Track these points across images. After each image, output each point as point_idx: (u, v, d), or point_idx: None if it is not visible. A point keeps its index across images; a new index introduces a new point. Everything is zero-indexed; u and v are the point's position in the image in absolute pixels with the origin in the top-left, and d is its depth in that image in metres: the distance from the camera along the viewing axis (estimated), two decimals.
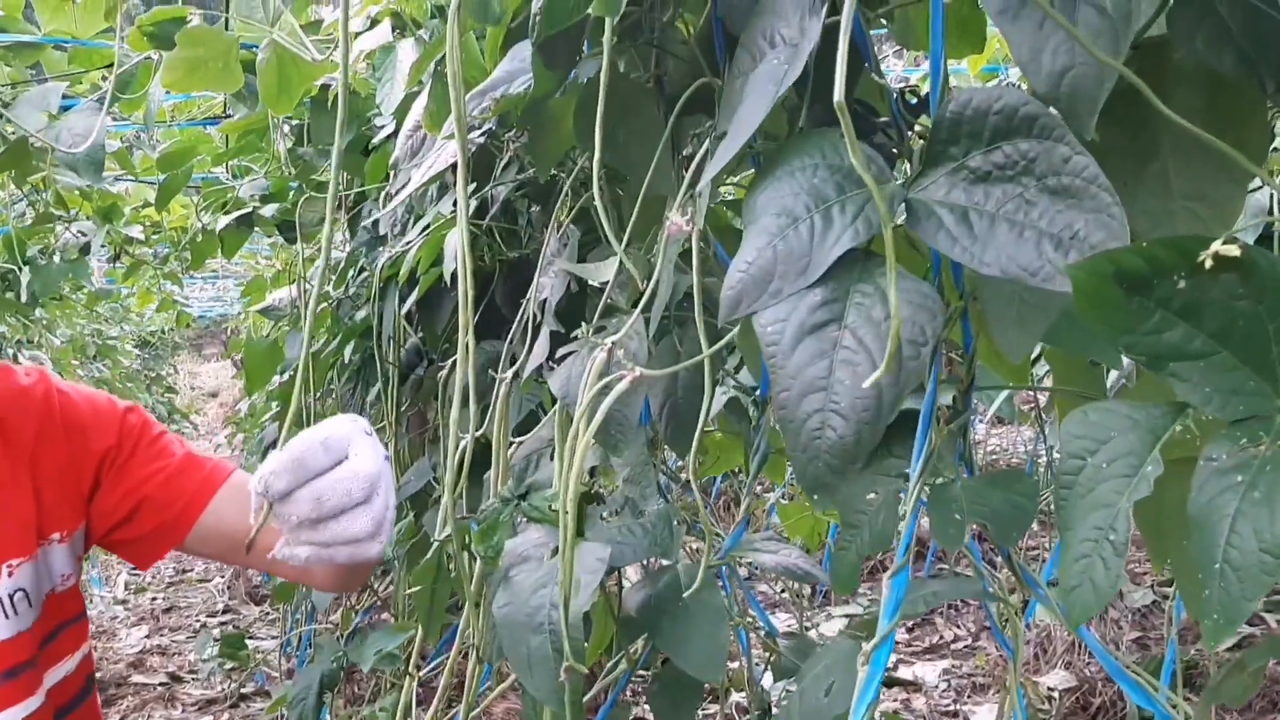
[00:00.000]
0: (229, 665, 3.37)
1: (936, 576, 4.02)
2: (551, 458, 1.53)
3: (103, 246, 3.20)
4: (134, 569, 5.41)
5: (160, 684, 4.33)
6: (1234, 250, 0.59)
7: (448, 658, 1.46)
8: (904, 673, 3.51)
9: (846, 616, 3.74)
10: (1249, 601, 0.57)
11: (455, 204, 1.78)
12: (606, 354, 1.03)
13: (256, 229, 3.13)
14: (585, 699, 1.00)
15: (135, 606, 5.57)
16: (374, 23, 1.74)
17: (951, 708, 3.31)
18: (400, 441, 2.31)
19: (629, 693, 1.45)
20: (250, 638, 3.86)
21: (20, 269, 2.93)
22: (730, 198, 1.68)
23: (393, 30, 1.66)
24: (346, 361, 2.55)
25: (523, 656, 0.93)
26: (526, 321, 1.51)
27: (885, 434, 0.72)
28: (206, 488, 1.19)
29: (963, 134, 0.71)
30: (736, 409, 1.76)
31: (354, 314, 2.69)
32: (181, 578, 6.04)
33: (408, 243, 1.80)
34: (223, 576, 5.82)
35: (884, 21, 1.25)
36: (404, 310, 1.99)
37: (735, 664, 1.71)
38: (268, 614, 5.07)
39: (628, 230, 1.26)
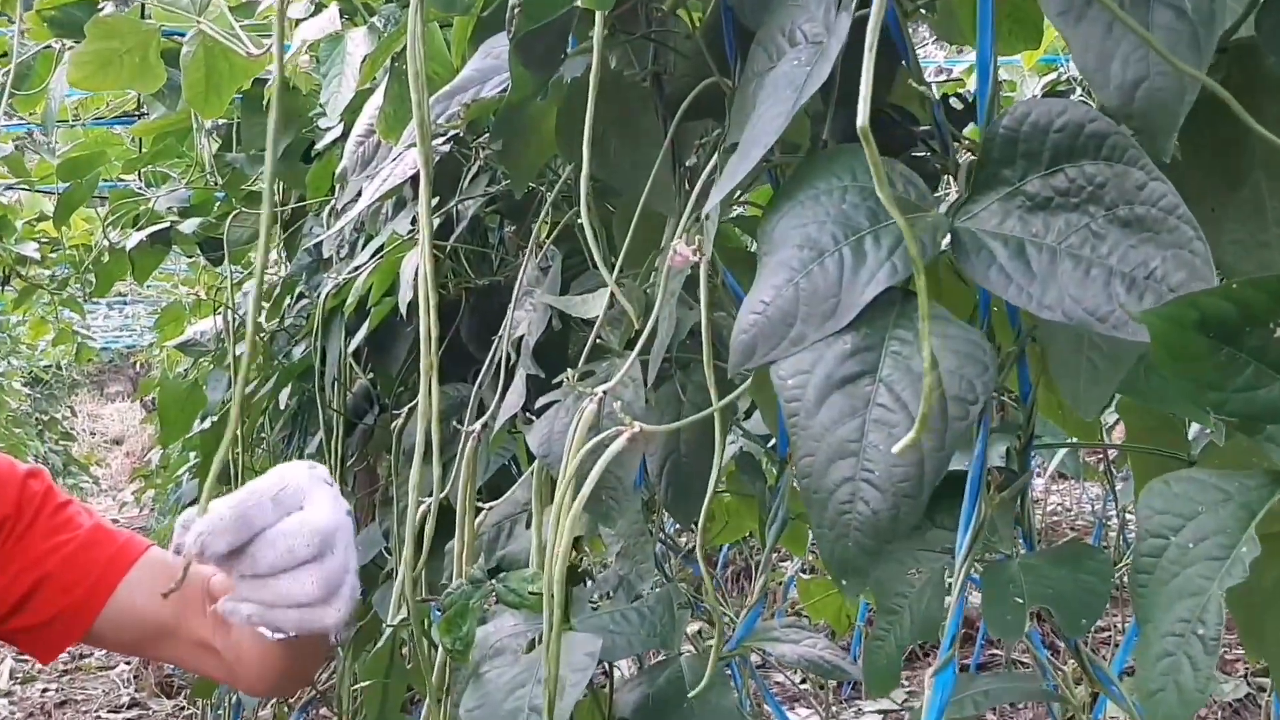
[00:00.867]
0: None
1: (988, 668, 4.01)
2: (527, 525, 1.54)
3: None
4: (21, 655, 5.38)
5: None
6: None
7: None
8: None
9: (880, 713, 3.74)
10: None
11: (414, 222, 1.79)
12: (597, 405, 1.04)
13: (175, 248, 3.14)
14: None
15: (22, 700, 5.54)
16: (318, 7, 1.76)
17: None
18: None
19: None
20: None
21: None
22: (740, 213, 1.69)
23: (340, 17, 1.67)
24: (281, 407, 2.55)
25: None
26: (499, 362, 1.52)
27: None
28: (118, 563, 1.20)
29: (1019, 154, 0.72)
30: (748, 465, 1.77)
31: (290, 350, 2.70)
32: (78, 664, 6.00)
33: (357, 268, 1.81)
34: (128, 664, 5.79)
35: (924, 12, 1.27)
36: (352, 347, 2.00)
37: None
38: (182, 708, 5.05)
39: (620, 256, 1.27)
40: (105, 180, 2.99)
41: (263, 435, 3.00)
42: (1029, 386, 0.97)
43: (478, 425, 1.34)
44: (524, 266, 1.52)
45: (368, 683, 1.63)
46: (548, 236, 1.56)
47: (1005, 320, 0.92)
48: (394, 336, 1.96)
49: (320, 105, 1.77)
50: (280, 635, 0.99)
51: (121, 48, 1.60)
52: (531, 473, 1.38)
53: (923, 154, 1.08)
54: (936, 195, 0.94)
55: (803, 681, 3.81)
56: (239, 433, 2.50)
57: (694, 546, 1.74)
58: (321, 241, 2.16)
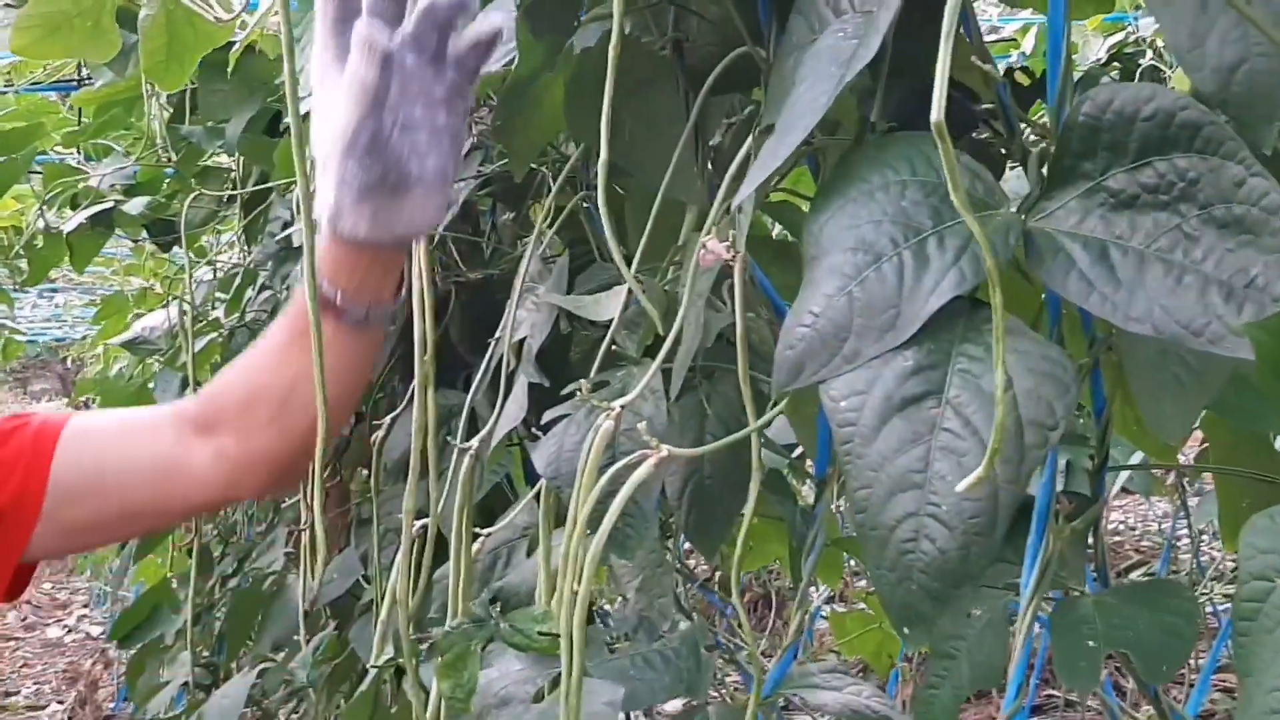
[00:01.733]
0: None
1: (1042, 711, 4.01)
2: (528, 553, 1.55)
3: None
4: None
5: None
6: None
7: None
8: None
9: None
10: None
11: None
12: (614, 422, 1.05)
13: (117, 230, 3.15)
14: None
15: None
16: None
17: None
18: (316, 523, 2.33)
19: None
20: None
21: None
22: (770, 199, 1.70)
23: None
24: None
25: None
26: (495, 368, 1.53)
27: None
28: (46, 436, 1.23)
29: (1101, 145, 0.73)
30: (776, 484, 1.78)
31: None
32: (3, 703, 6.02)
33: None
34: (61, 703, 5.81)
35: None
36: None
37: None
38: None
39: (638, 250, 1.28)
40: (40, 154, 3.00)
41: None
42: (1104, 403, 0.98)
43: (474, 441, 1.35)
44: (525, 259, 1.53)
45: None
46: (551, 225, 1.57)
47: (1078, 327, 0.93)
48: None
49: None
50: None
51: (72, 11, 1.60)
52: (535, 495, 1.39)
53: (985, 136, 1.09)
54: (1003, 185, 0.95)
55: None
56: None
57: (709, 574, 1.74)
58: (289, 225, 2.18)
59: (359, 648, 1.87)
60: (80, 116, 2.69)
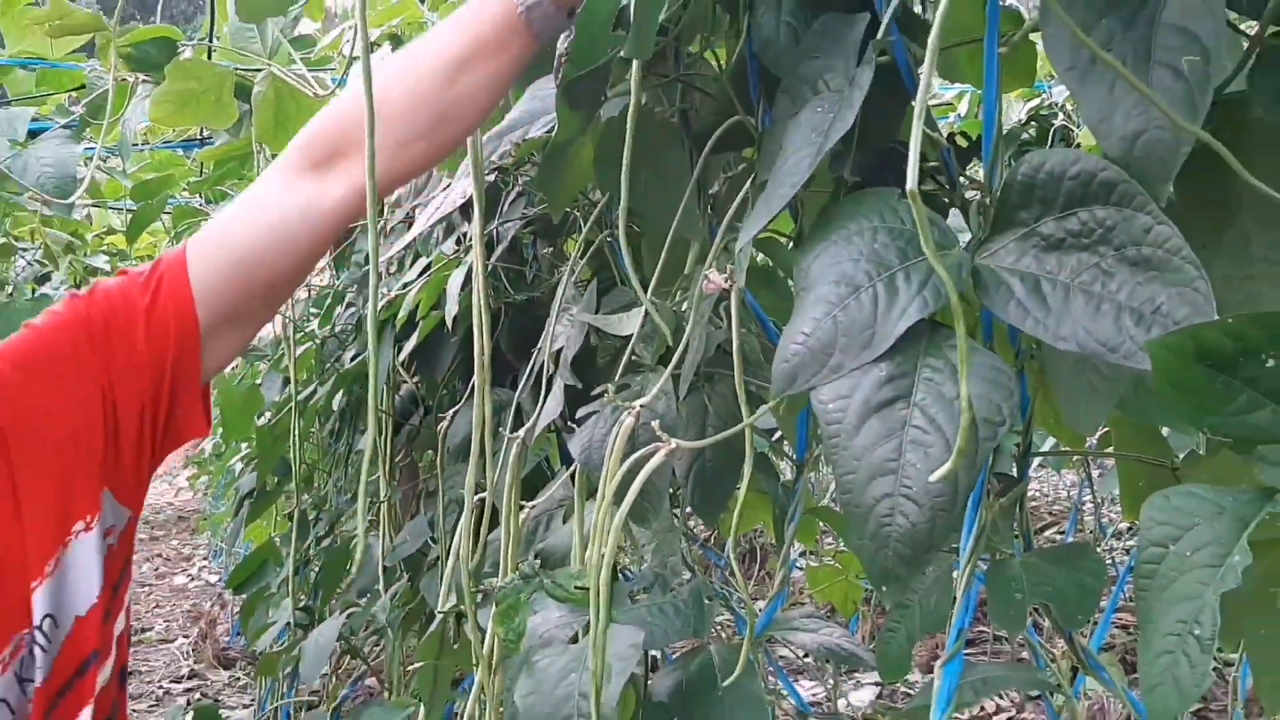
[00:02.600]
0: None
1: (976, 644, 3.99)
2: (564, 520, 1.55)
3: (63, 282, 3.22)
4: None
5: None
6: None
7: None
8: None
9: (877, 684, 3.74)
10: None
11: (459, 243, 1.81)
12: (634, 419, 1.05)
13: None
14: None
15: None
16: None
17: None
18: (393, 495, 2.33)
19: None
20: (220, 707, 3.85)
21: None
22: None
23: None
24: (336, 409, 2.57)
25: None
26: (537, 372, 1.53)
27: None
28: (177, 271, 1.11)
29: (1035, 198, 0.73)
30: (763, 465, 1.78)
31: (340, 355, 2.71)
32: (140, 637, 6.02)
33: (406, 284, 1.82)
34: (186, 637, 5.81)
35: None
36: (402, 357, 2.01)
37: None
38: (237, 679, 5.07)
39: (653, 277, 1.28)
40: (170, 198, 3.00)
41: (312, 431, 3.02)
42: (1028, 401, 0.97)
43: (520, 433, 1.35)
44: (562, 284, 1.53)
45: (421, 665, 1.64)
46: (583, 257, 1.57)
47: (1006, 339, 0.93)
48: (439, 346, 1.97)
49: None
50: None
51: (199, 88, 1.61)
52: (567, 474, 1.39)
53: (931, 189, 1.09)
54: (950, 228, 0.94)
55: (805, 655, 3.81)
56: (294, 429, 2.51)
57: (709, 535, 1.74)
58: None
59: (428, 596, 1.87)
60: (202, 169, 2.69)
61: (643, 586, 1.11)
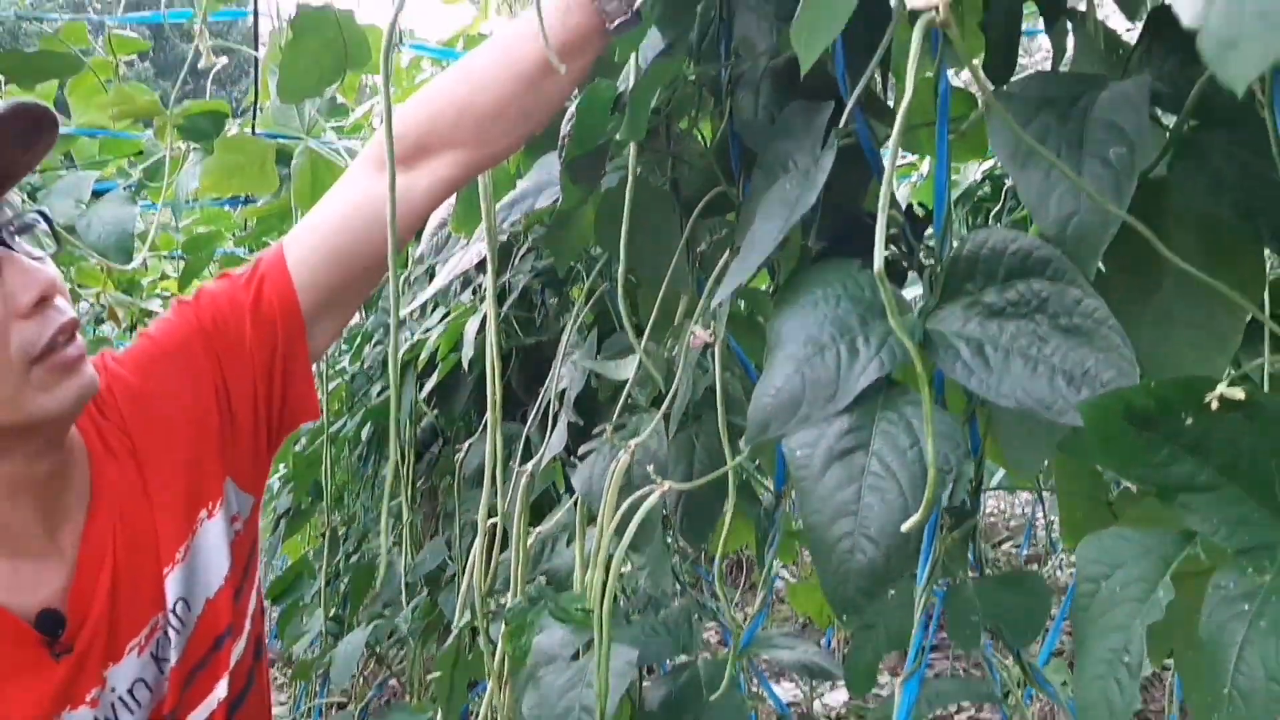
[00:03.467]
0: None
1: (939, 649, 3.96)
2: (568, 543, 1.56)
3: (123, 327, 3.24)
4: None
5: None
6: (1239, 394, 0.62)
7: None
8: None
9: None
10: None
11: (474, 293, 1.82)
12: (629, 456, 1.06)
13: None
14: None
15: None
16: None
17: None
18: (414, 517, 2.34)
19: None
20: None
21: None
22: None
23: None
24: (364, 439, 2.58)
25: None
26: (544, 408, 1.54)
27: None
28: (277, 267, 1.10)
29: (979, 271, 0.74)
30: (746, 492, 1.79)
31: (369, 389, 2.72)
32: None
33: (427, 329, 1.84)
34: None
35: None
36: (424, 394, 2.02)
37: None
38: (275, 680, 5.04)
39: (647, 327, 1.29)
40: (218, 248, 3.02)
41: (342, 456, 3.02)
42: (979, 441, 0.98)
43: (529, 466, 1.36)
44: (567, 330, 1.54)
45: (439, 674, 1.64)
46: (586, 305, 1.58)
47: (959, 389, 0.94)
48: (457, 384, 1.98)
49: None
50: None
51: (244, 160, 1.63)
52: (574, 502, 1.39)
53: (892, 255, 1.11)
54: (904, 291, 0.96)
55: None
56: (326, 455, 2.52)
57: (699, 552, 1.74)
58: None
59: (445, 610, 1.87)
60: (246, 223, 2.71)
61: (637, 608, 1.12)
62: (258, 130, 1.86)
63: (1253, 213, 0.71)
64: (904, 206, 1.08)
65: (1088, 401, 0.66)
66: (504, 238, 1.58)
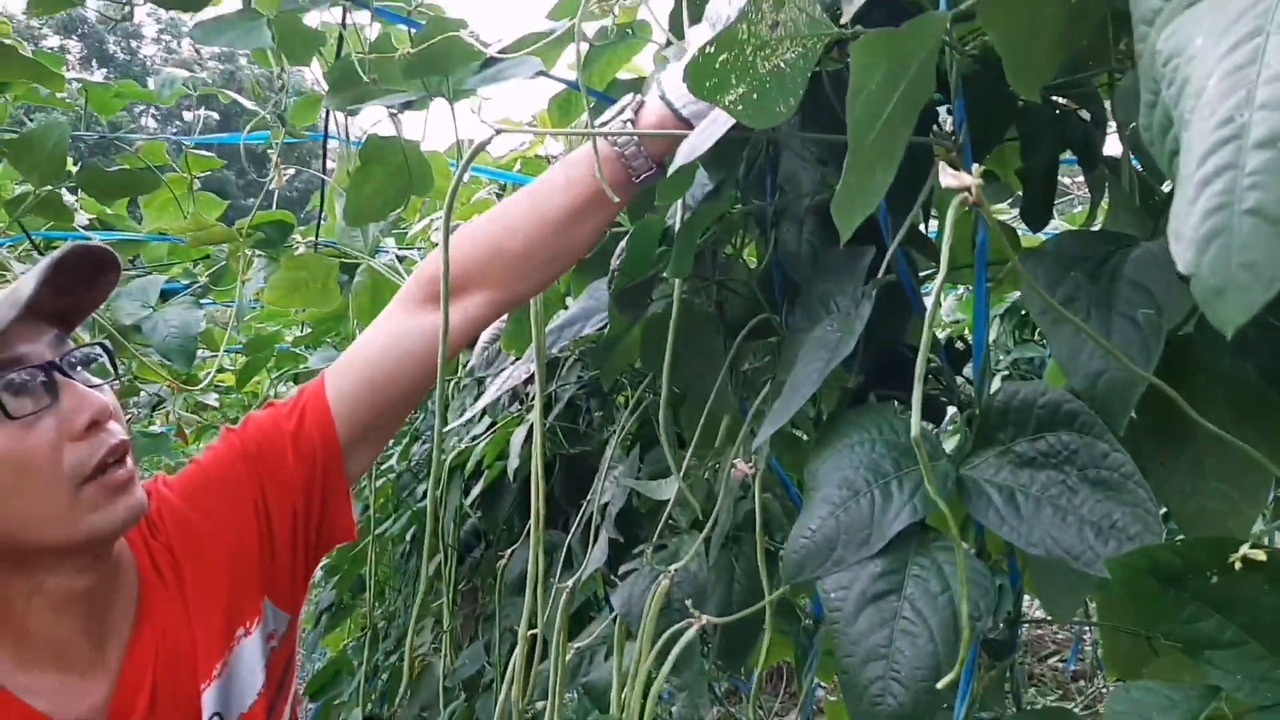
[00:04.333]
0: None
1: None
2: (606, 657, 1.57)
3: (179, 415, 3.32)
4: None
5: None
6: (1260, 555, 0.64)
7: None
8: None
9: None
10: None
11: (521, 404, 1.86)
12: (668, 581, 1.09)
13: None
14: None
15: None
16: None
17: None
18: (454, 621, 2.35)
19: None
20: None
21: None
22: None
23: None
24: (407, 538, 2.61)
25: None
26: (587, 520, 1.57)
27: None
28: (318, 398, 1.17)
29: (1010, 421, 0.77)
30: (785, 610, 1.79)
31: (414, 488, 2.76)
32: None
33: (474, 437, 1.88)
34: None
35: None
36: (470, 499, 2.05)
37: None
38: None
39: (688, 452, 1.32)
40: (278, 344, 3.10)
41: (386, 552, 3.05)
42: (1018, 576, 0.99)
43: (570, 583, 1.38)
44: (610, 443, 1.58)
45: None
46: (630, 415, 1.61)
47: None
48: (502, 490, 2.01)
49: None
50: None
51: (308, 276, 1.70)
52: (610, 618, 1.41)
53: (932, 389, 1.13)
54: (941, 431, 0.98)
55: None
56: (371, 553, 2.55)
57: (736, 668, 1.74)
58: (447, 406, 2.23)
59: (482, 716, 1.88)
60: (304, 324, 2.78)
61: None
62: (322, 238, 1.93)
63: (1277, 374, 0.73)
64: (943, 343, 1.11)
65: (1116, 559, 0.68)
66: (553, 353, 1.62)
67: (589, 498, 1.59)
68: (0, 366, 0.98)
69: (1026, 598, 1.20)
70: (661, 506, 1.35)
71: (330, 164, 1.84)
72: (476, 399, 1.89)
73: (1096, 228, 1.02)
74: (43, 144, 1.54)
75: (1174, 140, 0.39)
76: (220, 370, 3.68)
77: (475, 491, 1.98)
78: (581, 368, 1.87)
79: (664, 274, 1.10)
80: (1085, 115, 1.04)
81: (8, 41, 1.48)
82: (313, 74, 1.49)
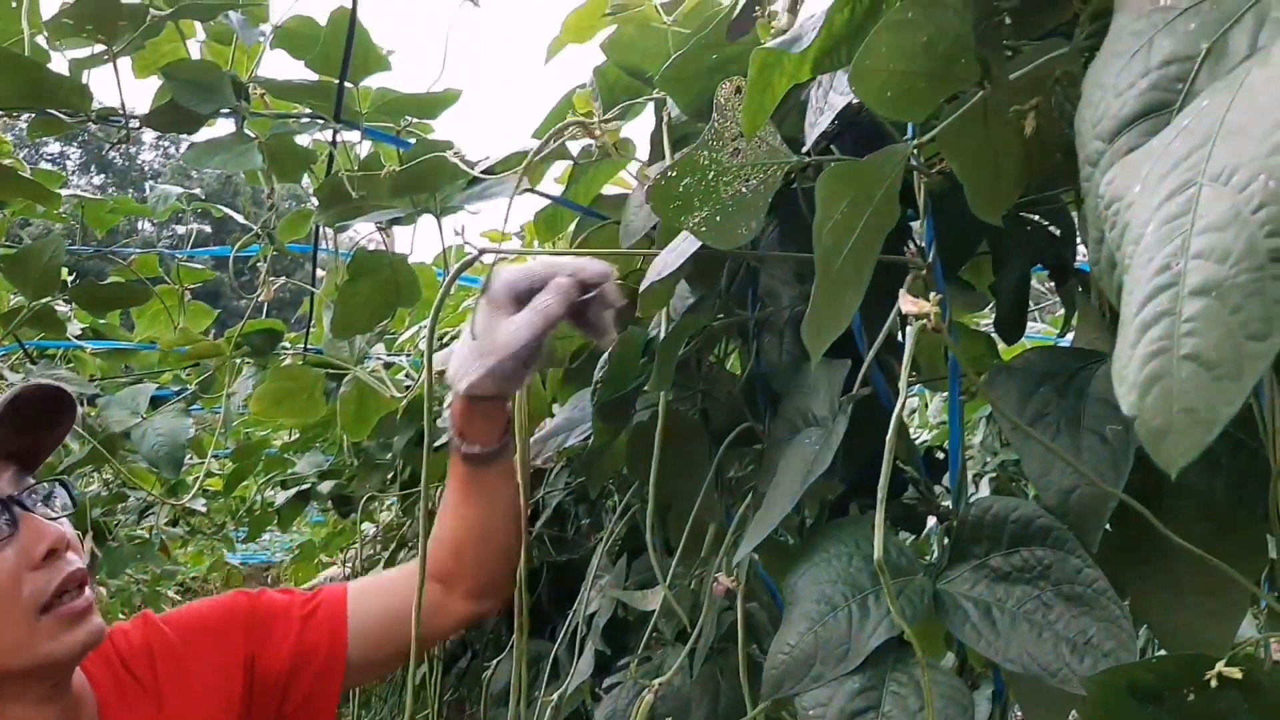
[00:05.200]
0: None
1: None
2: None
3: (166, 519, 3.30)
4: None
5: None
6: (1236, 673, 0.64)
7: None
8: None
9: None
10: None
11: None
12: (653, 695, 1.07)
13: (313, 503, 3.22)
14: None
15: None
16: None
17: None
18: None
19: None
20: None
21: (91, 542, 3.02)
22: None
23: None
24: None
25: None
26: (573, 630, 1.55)
27: None
28: (337, 603, 1.23)
29: (984, 536, 0.77)
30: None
31: None
32: None
33: None
34: None
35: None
36: None
37: None
38: None
39: (676, 554, 1.31)
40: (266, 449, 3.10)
41: None
42: (1003, 686, 0.99)
43: (555, 696, 1.36)
44: (597, 552, 1.57)
45: None
46: (616, 526, 1.60)
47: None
48: None
49: (440, 412, 1.85)
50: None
51: (295, 387, 1.71)
52: None
53: (910, 498, 1.14)
54: (918, 542, 0.98)
55: None
56: None
57: None
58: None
59: None
60: (292, 431, 2.78)
61: None
62: (310, 346, 1.95)
63: (1245, 492, 0.74)
64: (923, 452, 1.12)
65: (1093, 676, 0.68)
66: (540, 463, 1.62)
67: (576, 607, 1.57)
68: None
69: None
70: (649, 616, 1.34)
71: (320, 272, 1.87)
72: None
73: (1068, 341, 1.04)
74: (38, 260, 1.56)
75: (1119, 280, 0.40)
76: (209, 475, 3.67)
77: None
78: (570, 474, 1.86)
79: (646, 388, 1.11)
80: (1055, 231, 1.07)
81: (7, 161, 1.51)
82: (303, 188, 1.52)
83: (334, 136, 1.36)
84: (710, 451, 1.29)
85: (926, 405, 3.04)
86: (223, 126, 1.30)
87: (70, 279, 1.93)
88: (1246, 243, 0.34)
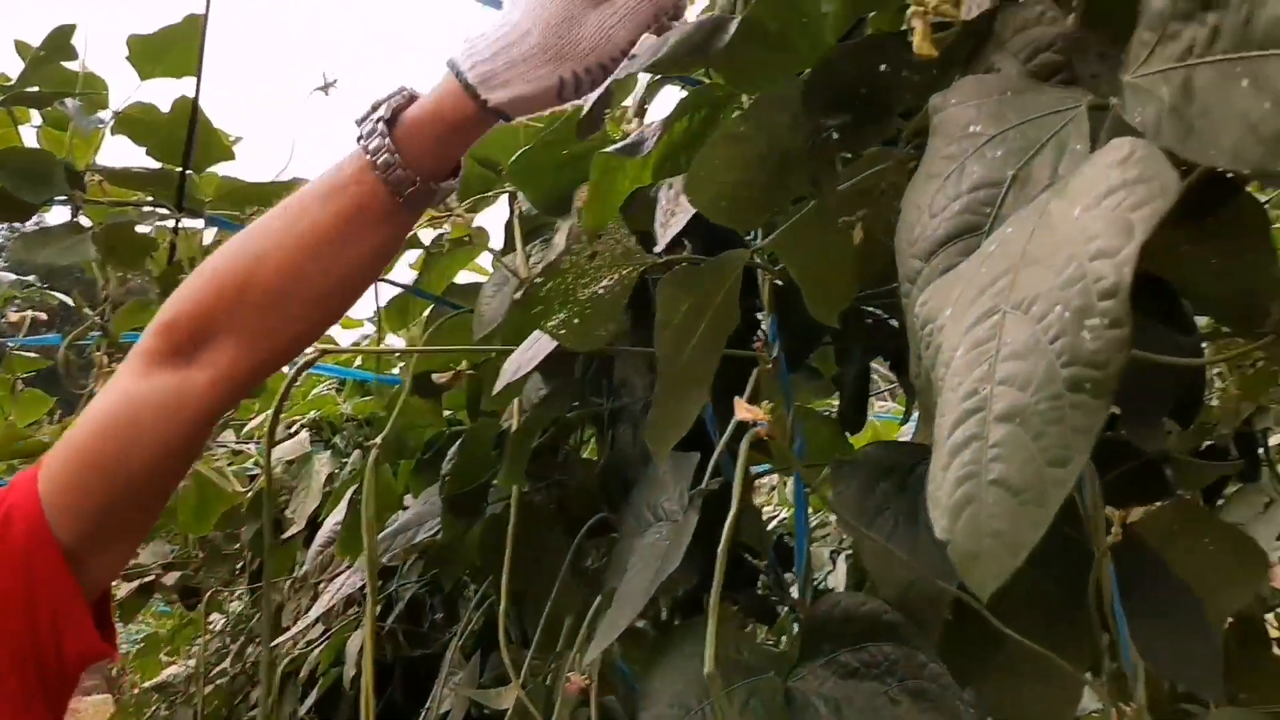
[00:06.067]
0: None
1: None
2: None
3: None
4: None
5: None
6: None
7: None
8: None
9: None
10: None
11: (359, 607, 1.80)
12: None
13: (156, 595, 3.08)
14: None
15: None
16: (292, 432, 1.82)
17: None
18: None
19: None
20: None
21: None
22: None
23: (310, 441, 1.74)
24: None
25: None
26: None
27: None
28: (27, 491, 0.89)
29: (831, 632, 0.78)
30: None
31: (249, 691, 2.62)
32: None
33: (310, 641, 1.80)
34: None
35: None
36: (305, 708, 1.95)
37: None
38: None
39: (532, 646, 1.29)
40: None
41: None
42: None
43: None
44: (452, 650, 1.53)
45: None
46: (472, 615, 1.57)
47: None
48: (338, 697, 1.92)
49: (288, 505, 1.80)
50: None
51: None
52: None
53: (762, 588, 1.14)
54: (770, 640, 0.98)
55: None
56: None
57: None
58: (282, 607, 2.14)
59: None
60: None
61: None
62: None
63: (1074, 582, 0.76)
64: (773, 541, 1.13)
65: None
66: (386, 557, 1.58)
67: (429, 704, 1.53)
68: None
69: None
70: (503, 714, 1.31)
71: None
72: (312, 602, 1.82)
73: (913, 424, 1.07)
74: None
75: (935, 399, 0.41)
76: None
77: (310, 700, 1.89)
78: (425, 565, 1.82)
79: (497, 482, 1.10)
80: (895, 323, 1.10)
81: None
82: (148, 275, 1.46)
83: (176, 224, 1.32)
84: (566, 541, 1.28)
85: (785, 483, 3.08)
86: (59, 214, 1.24)
87: None
88: (1045, 371, 0.35)
